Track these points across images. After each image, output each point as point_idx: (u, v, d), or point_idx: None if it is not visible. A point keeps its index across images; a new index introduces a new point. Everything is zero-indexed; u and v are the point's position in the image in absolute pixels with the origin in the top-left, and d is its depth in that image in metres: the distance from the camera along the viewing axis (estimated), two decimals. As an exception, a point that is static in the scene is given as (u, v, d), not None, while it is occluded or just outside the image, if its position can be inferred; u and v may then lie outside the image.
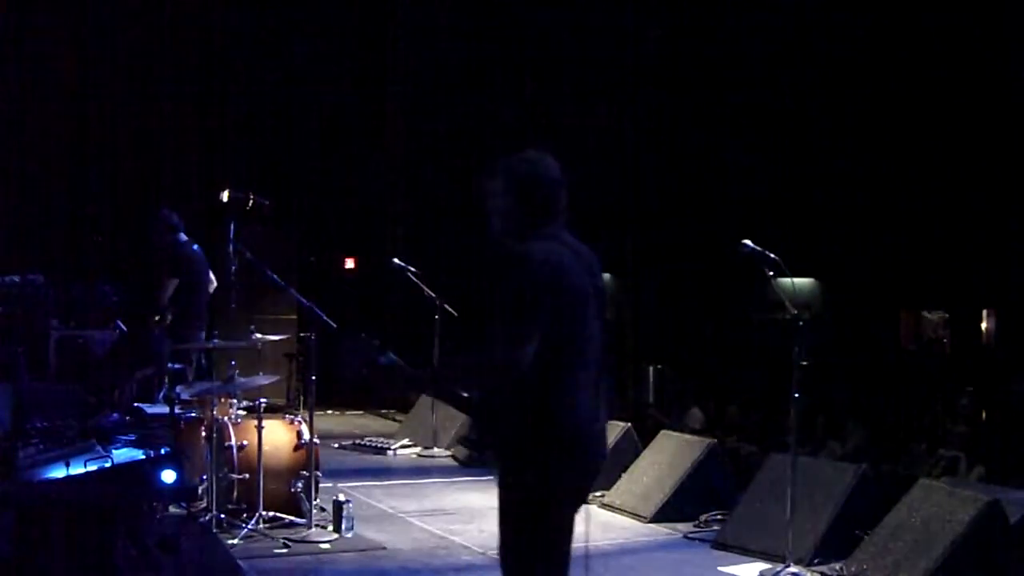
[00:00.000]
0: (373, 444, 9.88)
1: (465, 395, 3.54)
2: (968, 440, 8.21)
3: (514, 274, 3.41)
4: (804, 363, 5.74)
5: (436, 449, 9.61)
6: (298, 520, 6.47)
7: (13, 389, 6.92)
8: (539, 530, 3.44)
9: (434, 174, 13.53)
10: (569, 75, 13.14)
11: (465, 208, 13.48)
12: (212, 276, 8.43)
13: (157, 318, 8.21)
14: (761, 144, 12.57)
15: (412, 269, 9.79)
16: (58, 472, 4.92)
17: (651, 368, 12.08)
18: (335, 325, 6.51)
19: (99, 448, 5.16)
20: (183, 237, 8.32)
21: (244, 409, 6.80)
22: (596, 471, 3.57)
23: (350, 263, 13.74)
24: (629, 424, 8.12)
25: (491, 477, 9.42)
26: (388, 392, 11.36)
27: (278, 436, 6.67)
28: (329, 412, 11.69)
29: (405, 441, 9.93)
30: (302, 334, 7.32)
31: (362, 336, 3.48)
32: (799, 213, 12.33)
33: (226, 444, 6.48)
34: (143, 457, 5.08)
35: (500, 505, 3.50)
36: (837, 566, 5.80)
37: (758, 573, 5.87)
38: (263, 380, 6.77)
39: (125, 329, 8.96)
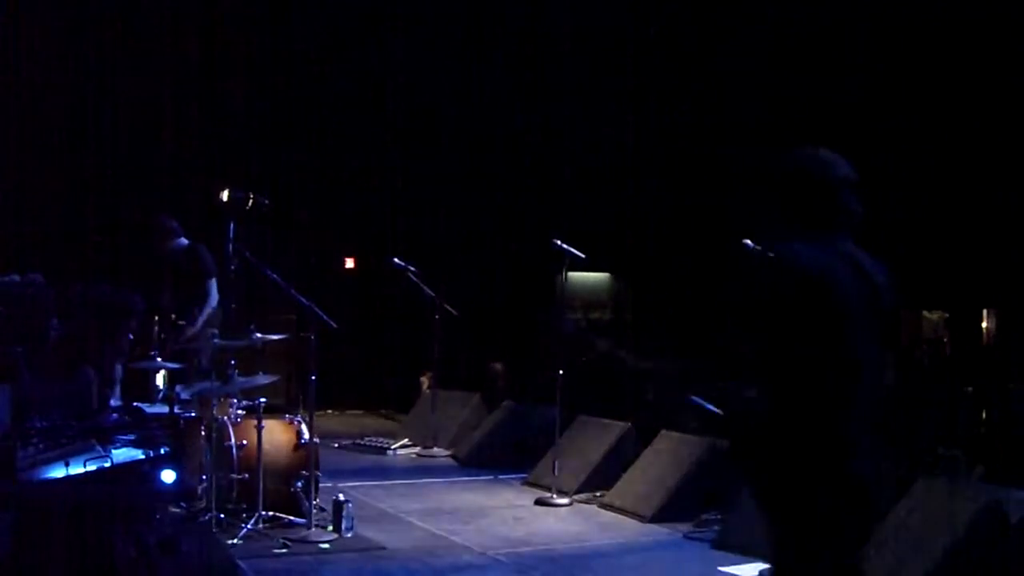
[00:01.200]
0: (373, 444, 9.89)
1: (715, 409, 3.24)
2: (968, 440, 8.20)
3: (759, 279, 3.05)
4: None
5: (436, 449, 9.62)
6: (298, 520, 6.47)
7: (13, 389, 6.91)
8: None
9: (434, 174, 13.52)
10: (569, 74, 13.13)
11: (465, 208, 13.52)
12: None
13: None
14: (761, 144, 12.55)
15: (412, 269, 9.78)
16: (58, 472, 4.91)
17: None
18: (335, 325, 6.51)
19: (99, 448, 5.15)
20: (184, 241, 8.37)
21: (244, 409, 6.80)
22: (868, 523, 3.09)
23: (350, 263, 13.73)
24: (629, 424, 8.11)
25: (490, 477, 9.42)
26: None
27: (278, 436, 6.67)
28: (329, 412, 11.69)
29: (405, 441, 9.93)
30: (302, 334, 7.32)
31: (575, 321, 3.28)
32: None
33: (226, 444, 6.48)
34: (142, 457, 5.08)
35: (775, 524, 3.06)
36: (837, 566, 5.79)
37: (758, 573, 5.87)
38: (263, 380, 6.77)
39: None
